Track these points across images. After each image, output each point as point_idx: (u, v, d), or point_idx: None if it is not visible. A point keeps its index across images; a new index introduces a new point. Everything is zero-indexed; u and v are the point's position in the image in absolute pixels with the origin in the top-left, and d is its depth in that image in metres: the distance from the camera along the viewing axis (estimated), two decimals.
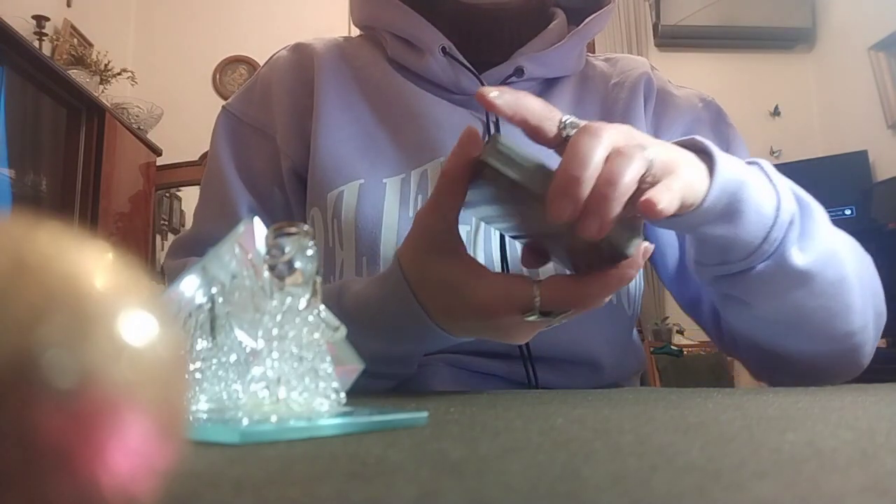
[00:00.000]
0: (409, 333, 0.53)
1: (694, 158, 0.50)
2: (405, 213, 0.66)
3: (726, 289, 0.59)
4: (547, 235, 0.49)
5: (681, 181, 0.46)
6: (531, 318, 0.47)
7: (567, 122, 0.46)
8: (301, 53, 0.77)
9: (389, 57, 0.75)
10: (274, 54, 0.79)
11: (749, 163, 0.56)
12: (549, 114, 0.46)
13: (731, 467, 0.19)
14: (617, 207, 0.41)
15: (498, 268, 0.63)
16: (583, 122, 0.45)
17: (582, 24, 0.74)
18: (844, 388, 0.52)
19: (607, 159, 0.41)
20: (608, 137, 0.42)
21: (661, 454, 0.21)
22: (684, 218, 0.50)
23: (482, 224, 0.66)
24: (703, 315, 0.74)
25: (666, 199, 0.43)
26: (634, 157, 0.42)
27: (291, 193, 0.73)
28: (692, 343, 3.68)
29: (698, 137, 0.53)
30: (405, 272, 0.50)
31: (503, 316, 0.47)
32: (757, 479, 0.17)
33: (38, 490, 0.11)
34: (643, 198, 0.42)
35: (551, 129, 0.46)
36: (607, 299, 0.49)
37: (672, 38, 4.17)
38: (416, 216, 0.50)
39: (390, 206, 0.66)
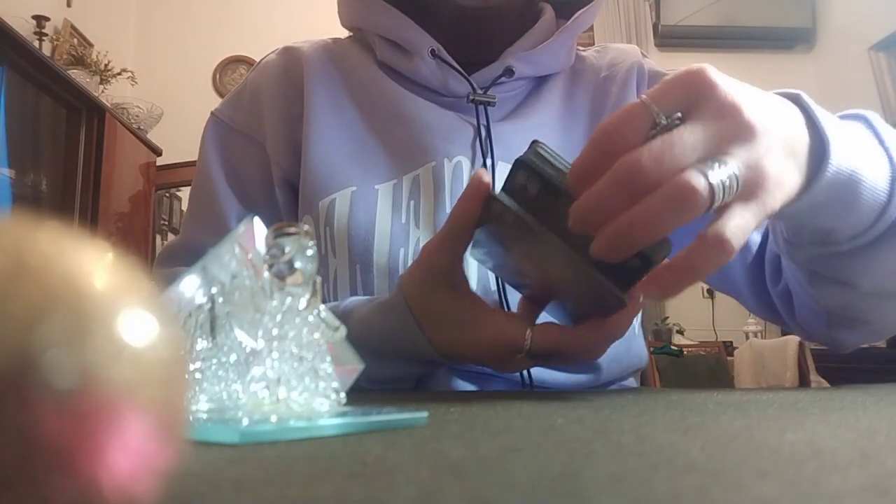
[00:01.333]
0: (411, 359, 0.55)
1: (790, 143, 0.40)
2: (398, 219, 0.65)
3: (820, 268, 0.52)
4: (548, 280, 0.50)
5: (764, 202, 0.37)
6: (521, 358, 0.49)
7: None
8: (290, 57, 0.76)
9: (378, 59, 0.74)
10: (262, 58, 0.78)
11: (850, 116, 0.49)
12: None
13: (731, 467, 0.19)
14: (634, 248, 0.37)
15: (494, 296, 0.63)
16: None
17: (571, 20, 0.74)
18: (844, 388, 0.52)
19: (661, 188, 0.34)
20: (672, 156, 0.34)
21: (661, 454, 0.21)
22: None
23: None
24: (732, 278, 0.69)
25: (733, 231, 0.35)
26: (687, 199, 0.34)
27: (283, 201, 0.72)
28: (692, 343, 3.68)
29: (805, 97, 0.44)
30: (409, 304, 0.52)
31: (498, 352, 0.50)
32: (757, 479, 0.17)
33: (38, 490, 0.11)
34: (708, 233, 0.35)
35: None
36: (606, 350, 0.49)
37: (672, 38, 4.17)
38: (423, 249, 0.51)
39: (383, 213, 0.65)
